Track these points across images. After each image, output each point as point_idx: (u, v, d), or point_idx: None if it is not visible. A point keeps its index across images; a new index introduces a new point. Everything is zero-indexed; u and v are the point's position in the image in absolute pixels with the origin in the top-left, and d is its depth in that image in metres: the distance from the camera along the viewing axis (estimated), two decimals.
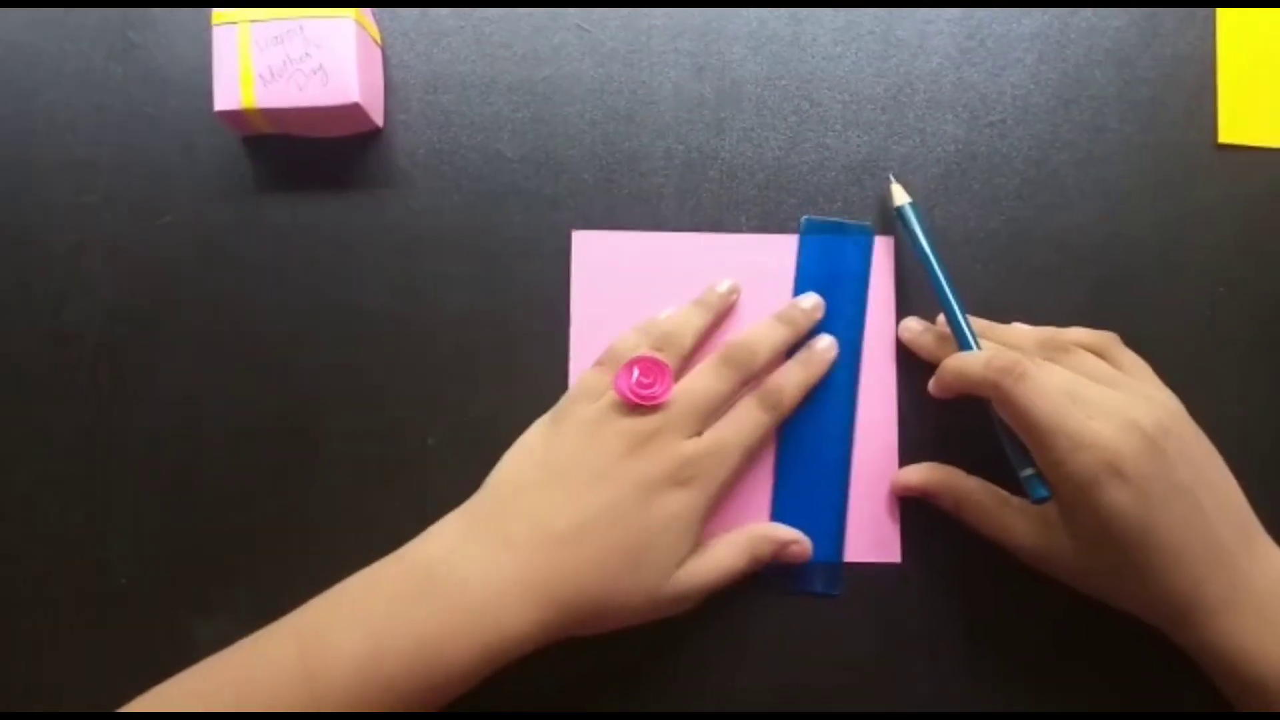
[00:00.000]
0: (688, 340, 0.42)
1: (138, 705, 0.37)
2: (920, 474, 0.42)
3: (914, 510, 0.43)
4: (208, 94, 0.43)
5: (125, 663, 0.43)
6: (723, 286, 0.44)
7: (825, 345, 0.43)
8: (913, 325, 0.43)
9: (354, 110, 0.43)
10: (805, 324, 0.43)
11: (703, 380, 0.41)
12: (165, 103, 0.46)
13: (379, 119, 0.45)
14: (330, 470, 0.44)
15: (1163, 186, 0.45)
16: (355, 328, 0.45)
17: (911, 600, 0.43)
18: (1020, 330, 0.42)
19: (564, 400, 0.41)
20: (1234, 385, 0.44)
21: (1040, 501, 0.38)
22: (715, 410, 0.40)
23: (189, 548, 0.44)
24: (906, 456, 0.44)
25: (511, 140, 0.45)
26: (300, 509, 0.44)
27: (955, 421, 0.44)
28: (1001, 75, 0.46)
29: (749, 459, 0.41)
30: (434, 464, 0.44)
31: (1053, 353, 0.40)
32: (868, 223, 0.45)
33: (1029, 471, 0.38)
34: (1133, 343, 0.44)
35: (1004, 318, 0.44)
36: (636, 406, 0.39)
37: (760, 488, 0.43)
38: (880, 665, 0.43)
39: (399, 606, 0.36)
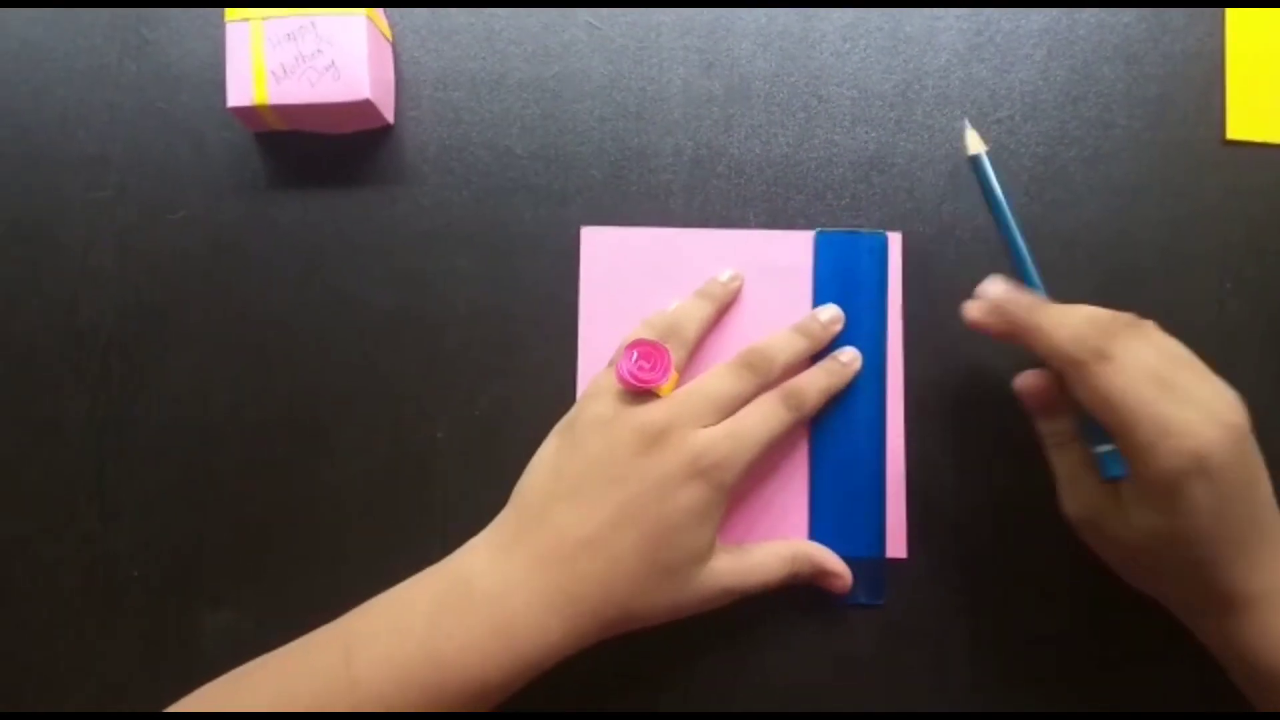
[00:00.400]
0: (692, 330, 0.42)
1: (183, 706, 0.37)
2: (1036, 378, 0.40)
3: (919, 506, 0.43)
4: (220, 90, 0.43)
5: (136, 654, 0.44)
6: (724, 276, 0.44)
7: (849, 358, 0.43)
8: (983, 302, 0.39)
9: (365, 106, 0.43)
10: (823, 337, 0.43)
11: (718, 380, 0.40)
12: (177, 99, 0.46)
13: (390, 115, 0.45)
14: (339, 464, 0.44)
15: (1171, 183, 0.45)
16: (365, 322, 0.45)
17: (915, 596, 0.43)
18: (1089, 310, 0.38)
19: (577, 403, 0.41)
20: (1242, 382, 0.44)
21: (1110, 480, 0.37)
22: (730, 408, 0.40)
23: (199, 540, 0.44)
24: (915, 456, 0.44)
25: (521, 137, 0.46)
26: (310, 502, 0.44)
27: (966, 424, 0.44)
28: (1010, 72, 0.46)
29: (765, 452, 0.40)
30: (442, 458, 0.44)
31: (1132, 329, 0.37)
32: (881, 231, 0.45)
33: (1107, 447, 0.37)
34: None
35: None
36: (637, 391, 0.39)
37: (795, 499, 0.43)
38: (882, 661, 0.43)
39: (441, 617, 0.37)
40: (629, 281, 0.45)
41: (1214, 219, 0.45)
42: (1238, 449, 0.35)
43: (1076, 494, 0.39)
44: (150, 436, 0.45)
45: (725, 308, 0.44)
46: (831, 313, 0.43)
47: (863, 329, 0.44)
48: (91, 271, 0.46)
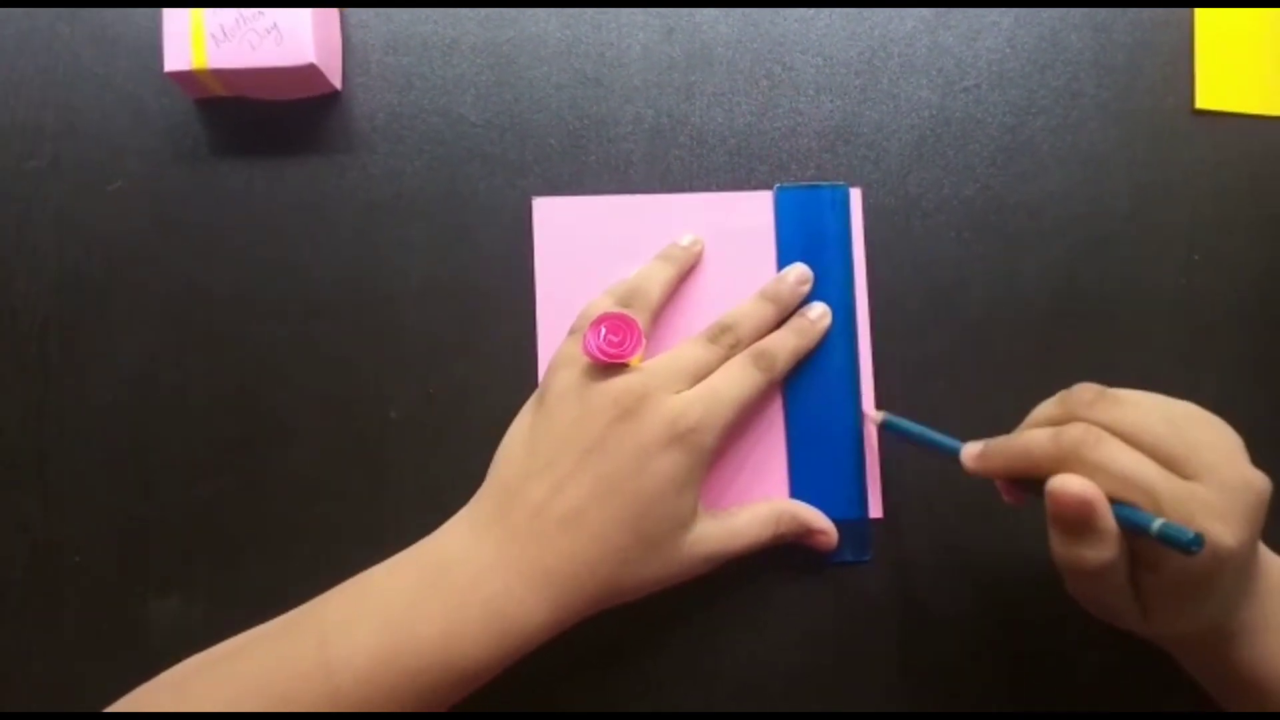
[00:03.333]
0: (655, 294, 0.41)
1: (155, 689, 0.36)
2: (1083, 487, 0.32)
3: (894, 464, 0.43)
4: (158, 54, 0.41)
5: (79, 643, 0.42)
6: (685, 240, 0.43)
7: (818, 314, 0.42)
8: (972, 449, 0.37)
9: (310, 71, 0.41)
10: (791, 300, 0.42)
11: (689, 349, 0.40)
12: (114, 63, 0.44)
13: (336, 81, 0.44)
14: (289, 444, 0.43)
15: (1139, 153, 0.45)
16: (314, 297, 0.43)
17: (895, 555, 0.42)
18: (1032, 443, 0.35)
19: (546, 376, 0.40)
20: (1207, 353, 0.44)
21: (1196, 547, 0.30)
22: (701, 375, 0.39)
23: (144, 525, 0.43)
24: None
25: (475, 104, 0.44)
26: (258, 484, 0.43)
27: (929, 379, 0.43)
28: (976, 40, 0.45)
29: (742, 414, 0.40)
30: (395, 437, 0.43)
31: (1078, 451, 0.33)
32: (841, 183, 0.44)
33: (1160, 522, 0.31)
34: (1106, 310, 0.44)
35: (977, 286, 0.44)
36: (608, 365, 0.38)
37: (774, 461, 0.43)
38: (860, 623, 0.42)
39: (418, 601, 0.36)
40: (585, 252, 0.43)
41: (1182, 189, 0.45)
42: (1257, 515, 0.32)
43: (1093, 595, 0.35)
44: (92, 419, 0.43)
45: (687, 271, 0.43)
46: (799, 273, 0.43)
47: (830, 285, 0.43)
48: (26, 246, 0.44)
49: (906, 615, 0.42)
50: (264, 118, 0.44)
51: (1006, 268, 0.44)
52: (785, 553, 0.42)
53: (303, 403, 0.43)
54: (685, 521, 0.38)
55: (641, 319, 0.39)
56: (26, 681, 0.42)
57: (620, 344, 0.38)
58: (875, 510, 0.43)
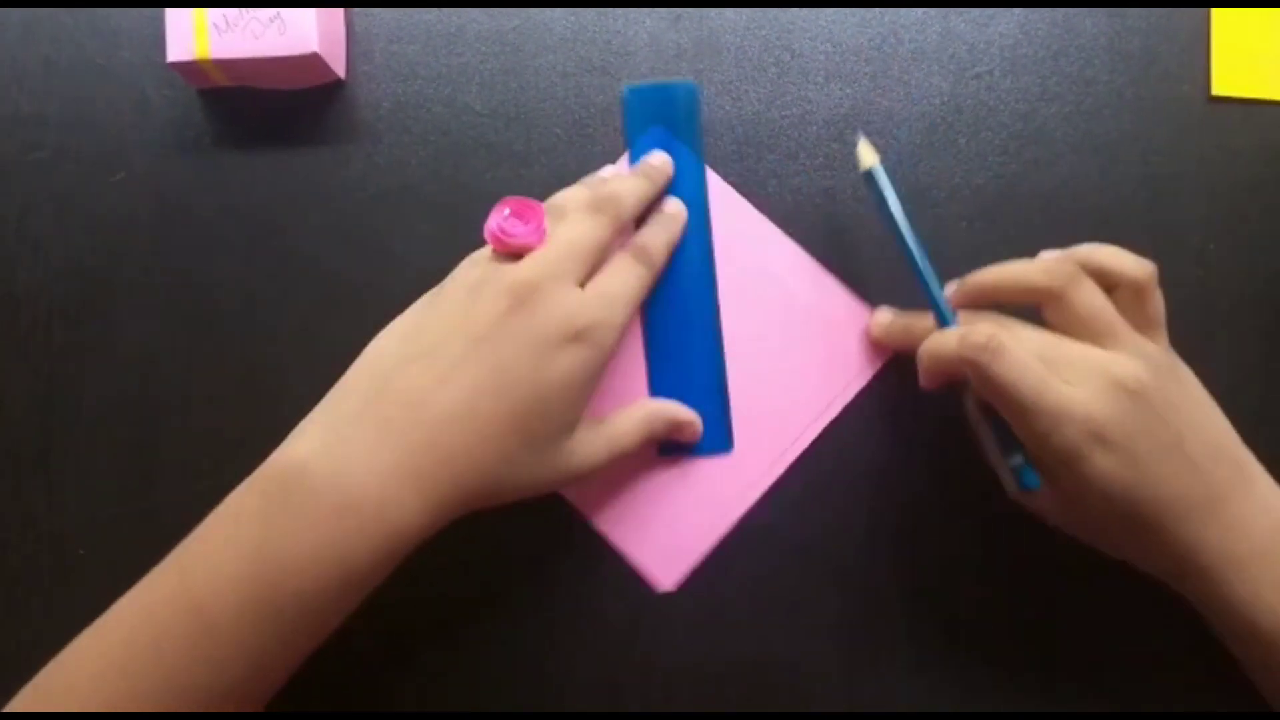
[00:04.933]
0: (628, 205, 0.40)
1: (44, 675, 0.35)
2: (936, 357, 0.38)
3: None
4: (161, 44, 0.41)
5: None
6: (656, 159, 0.42)
7: (675, 208, 0.42)
8: (881, 318, 0.42)
9: (313, 60, 0.41)
10: (660, 178, 0.42)
11: (579, 227, 0.38)
12: (117, 54, 0.44)
13: (340, 70, 0.43)
14: None
15: (1154, 141, 0.44)
16: (317, 287, 0.43)
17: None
18: (1020, 269, 0.38)
19: (450, 274, 0.39)
20: (1224, 343, 0.43)
21: (1029, 490, 0.37)
22: (594, 259, 0.38)
23: (149, 517, 0.42)
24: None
25: (480, 93, 0.44)
26: None
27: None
28: (989, 25, 0.44)
29: (633, 314, 0.39)
30: None
31: (1064, 281, 0.37)
32: (691, 79, 0.43)
33: (1017, 459, 0.37)
34: None
35: None
36: (507, 249, 0.36)
37: (634, 367, 0.42)
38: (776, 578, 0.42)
39: (274, 516, 0.33)
40: None
41: (1198, 177, 0.44)
42: (1137, 412, 0.34)
43: (1023, 497, 0.38)
44: (95, 410, 0.43)
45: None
46: (660, 156, 0.42)
47: (684, 183, 0.42)
48: (29, 237, 0.43)
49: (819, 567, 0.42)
50: (267, 108, 0.43)
51: (1019, 257, 0.43)
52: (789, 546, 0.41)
53: (307, 394, 0.42)
54: (572, 425, 0.36)
55: (609, 229, 0.38)
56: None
57: (523, 226, 0.37)
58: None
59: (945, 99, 0.44)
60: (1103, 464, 0.34)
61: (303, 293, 0.43)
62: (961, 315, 0.38)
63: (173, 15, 0.41)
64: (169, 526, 0.42)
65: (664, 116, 0.43)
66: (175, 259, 0.43)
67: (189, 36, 0.41)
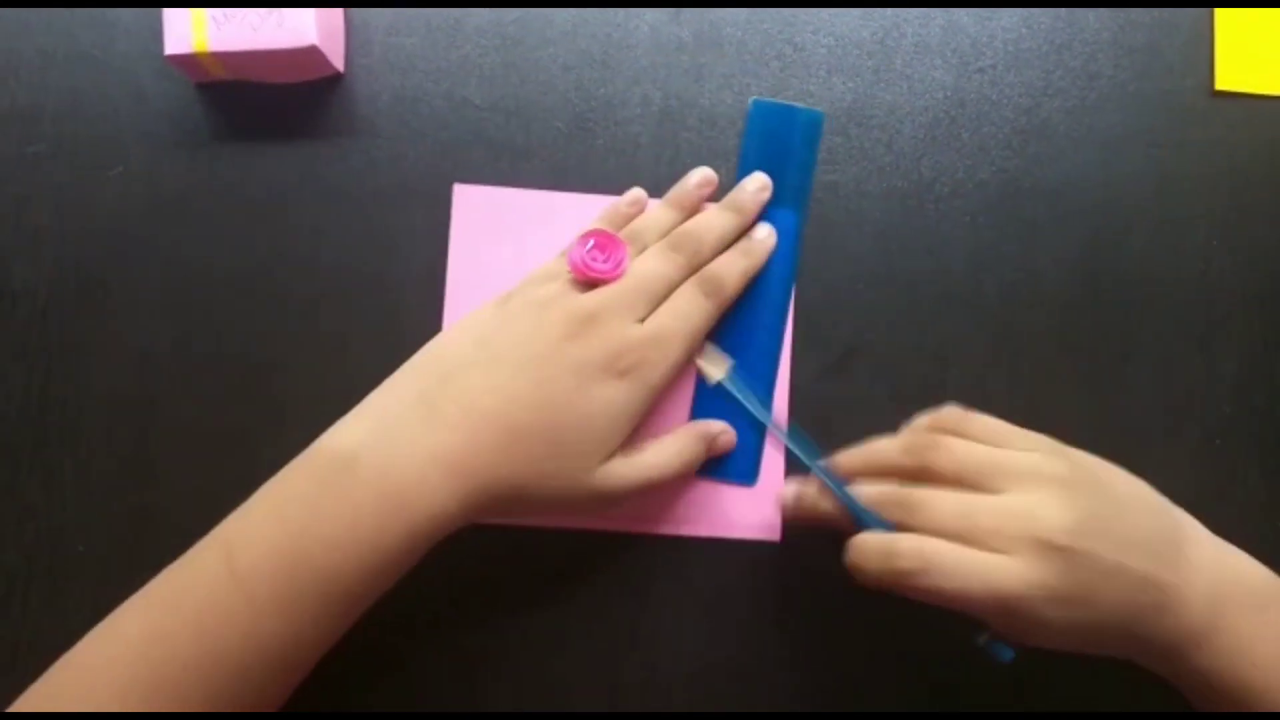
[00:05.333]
0: (708, 246, 0.40)
1: (90, 640, 0.36)
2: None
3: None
4: (159, 37, 0.40)
5: (83, 631, 0.41)
6: (693, 179, 0.42)
7: (765, 234, 0.42)
8: (788, 496, 0.40)
9: (312, 53, 0.41)
10: (752, 208, 0.42)
11: (651, 262, 0.39)
12: (114, 47, 0.44)
13: (339, 63, 0.43)
14: (292, 431, 0.42)
15: (1157, 135, 0.44)
16: (317, 283, 0.43)
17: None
18: (881, 451, 0.38)
19: (520, 283, 0.40)
20: (1227, 338, 0.43)
21: (1009, 662, 0.36)
22: (662, 294, 0.39)
23: (147, 513, 0.42)
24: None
25: (480, 86, 0.43)
26: (263, 470, 0.41)
27: (945, 366, 0.42)
28: (992, 19, 0.44)
29: (691, 349, 0.39)
30: None
31: (921, 454, 0.37)
32: (819, 109, 0.43)
33: (984, 637, 0.36)
34: (1124, 295, 0.43)
35: (992, 272, 0.43)
36: (587, 280, 0.38)
37: (682, 394, 0.42)
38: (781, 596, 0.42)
39: (321, 498, 0.35)
40: (501, 245, 0.43)
41: (1201, 173, 0.44)
42: (1068, 557, 0.34)
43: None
44: (93, 405, 0.43)
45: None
46: (759, 180, 0.42)
47: (783, 201, 0.42)
48: (26, 231, 0.43)
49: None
50: (265, 101, 0.43)
51: (1023, 252, 0.43)
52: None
53: (305, 387, 0.43)
54: (607, 450, 0.37)
55: (683, 270, 0.40)
56: (33, 671, 0.42)
57: (605, 260, 0.38)
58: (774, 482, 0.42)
59: (948, 93, 0.44)
60: (1055, 615, 0.34)
61: (301, 287, 0.43)
62: (861, 487, 0.37)
63: (170, 8, 0.40)
64: (168, 521, 0.42)
65: (782, 138, 0.43)
66: (173, 253, 0.43)
67: (187, 29, 0.40)
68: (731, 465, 0.42)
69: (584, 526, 0.41)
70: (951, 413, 0.38)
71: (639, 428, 0.39)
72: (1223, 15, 0.44)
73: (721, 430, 0.41)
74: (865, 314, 0.43)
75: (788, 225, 0.42)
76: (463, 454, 0.35)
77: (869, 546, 0.35)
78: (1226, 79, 0.44)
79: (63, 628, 0.42)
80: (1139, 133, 0.44)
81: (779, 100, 0.43)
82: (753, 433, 0.42)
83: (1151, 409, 0.43)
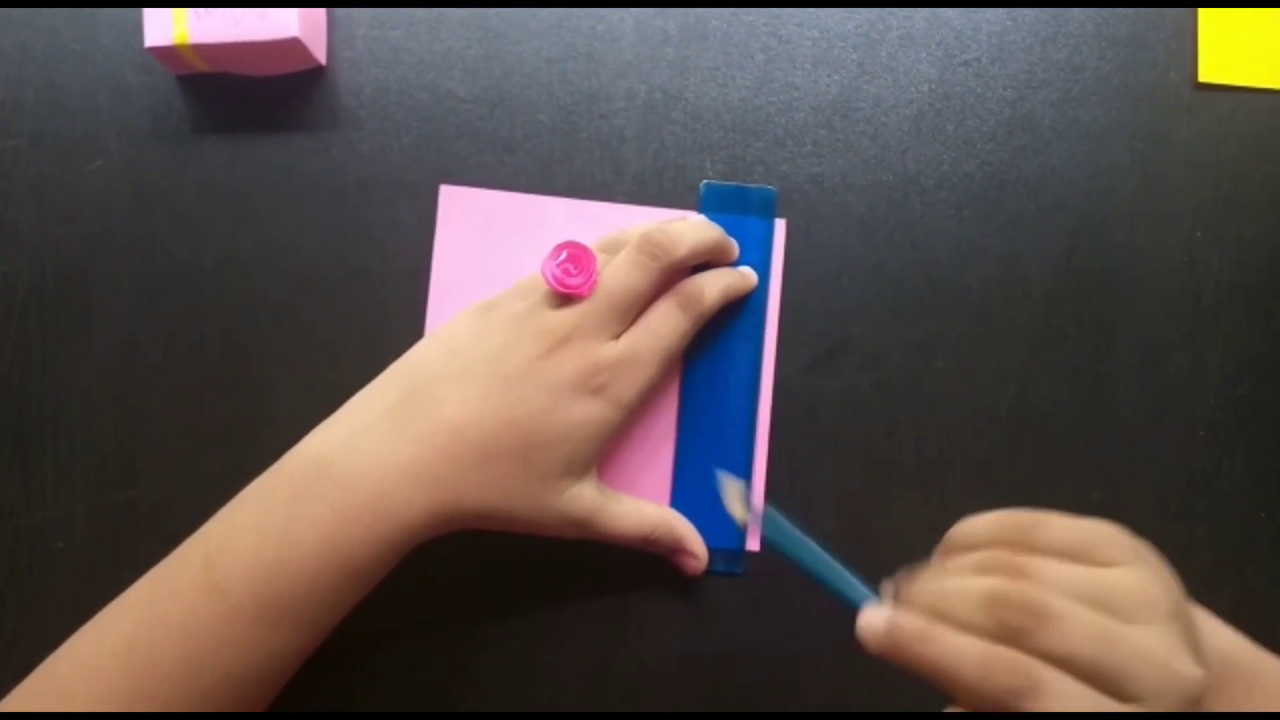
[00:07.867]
0: (681, 251, 0.38)
1: (69, 648, 0.36)
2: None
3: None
4: (139, 30, 0.40)
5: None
6: (693, 219, 0.42)
7: (747, 270, 0.42)
8: (877, 625, 0.31)
9: (294, 45, 0.40)
10: (727, 243, 0.41)
11: (620, 273, 0.38)
12: (94, 39, 0.43)
13: (321, 56, 0.43)
14: (275, 425, 0.42)
15: (1141, 128, 0.44)
16: (299, 276, 0.42)
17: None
18: (955, 654, 0.30)
19: (501, 294, 0.39)
20: (1211, 331, 0.43)
21: None
22: (634, 309, 0.38)
23: (129, 509, 0.42)
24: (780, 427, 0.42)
25: (463, 79, 0.43)
26: (246, 467, 0.41)
27: (930, 359, 0.42)
28: (978, 12, 0.44)
29: (664, 369, 0.39)
30: None
31: (1009, 682, 0.28)
32: (770, 187, 0.43)
33: None
34: (1108, 287, 0.43)
35: (977, 264, 0.43)
36: (559, 293, 0.37)
37: (661, 460, 0.42)
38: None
39: (298, 505, 0.35)
40: (487, 249, 0.42)
41: (1185, 165, 0.44)
42: (1203, 696, 0.28)
43: None
44: (74, 401, 0.42)
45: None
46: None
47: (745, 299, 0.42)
48: (6, 225, 0.43)
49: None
50: (247, 94, 0.43)
51: (1007, 245, 0.43)
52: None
53: (288, 383, 0.42)
54: (577, 470, 0.37)
55: (654, 276, 0.38)
56: (11, 671, 0.41)
57: (576, 274, 0.37)
58: (753, 543, 0.42)
59: (933, 86, 0.44)
60: None
61: (283, 281, 0.42)
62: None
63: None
64: (149, 519, 0.42)
65: (735, 218, 0.42)
66: (154, 247, 0.43)
67: (167, 21, 0.40)
68: (715, 556, 0.41)
69: None
70: (1016, 521, 0.31)
71: (617, 448, 0.39)
72: (1206, 8, 0.44)
73: (695, 556, 0.40)
74: (851, 307, 0.43)
75: (753, 312, 0.42)
76: (431, 467, 0.35)
77: (960, 656, 0.29)
78: (1210, 71, 0.44)
79: (42, 626, 0.41)
80: (1123, 125, 0.44)
81: (731, 183, 0.43)
82: (734, 533, 0.41)
83: (1137, 401, 0.43)
